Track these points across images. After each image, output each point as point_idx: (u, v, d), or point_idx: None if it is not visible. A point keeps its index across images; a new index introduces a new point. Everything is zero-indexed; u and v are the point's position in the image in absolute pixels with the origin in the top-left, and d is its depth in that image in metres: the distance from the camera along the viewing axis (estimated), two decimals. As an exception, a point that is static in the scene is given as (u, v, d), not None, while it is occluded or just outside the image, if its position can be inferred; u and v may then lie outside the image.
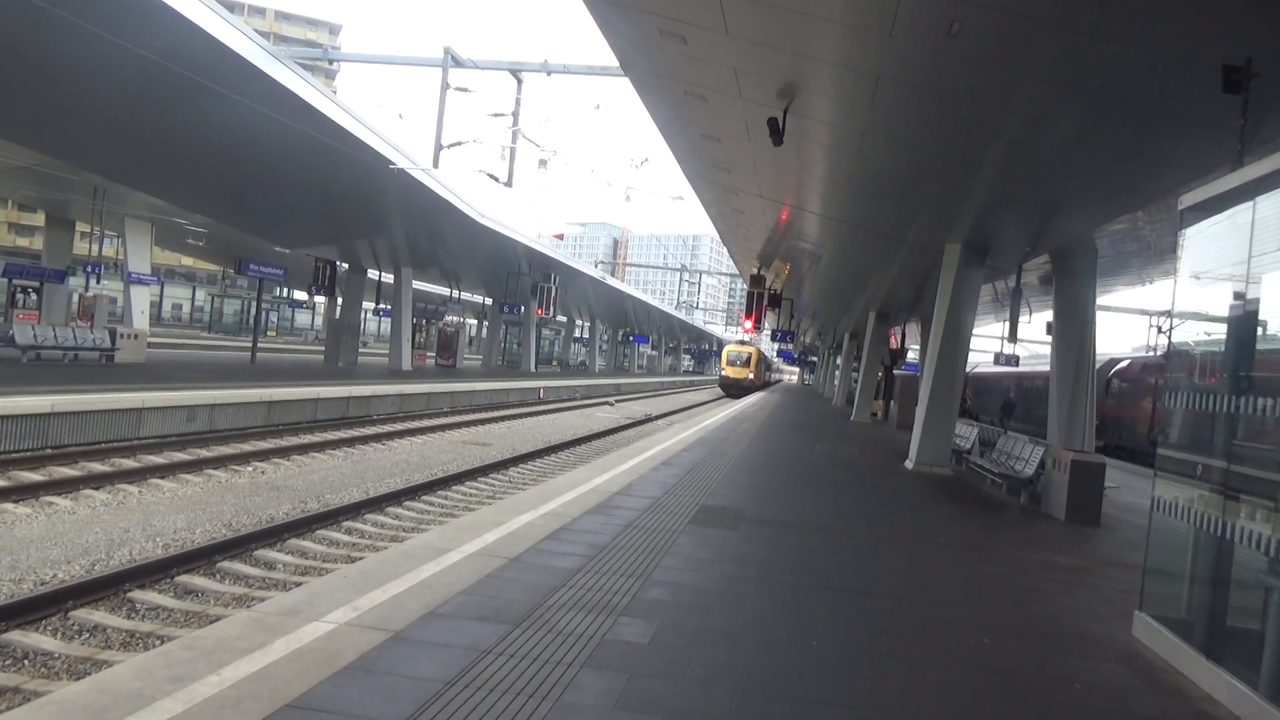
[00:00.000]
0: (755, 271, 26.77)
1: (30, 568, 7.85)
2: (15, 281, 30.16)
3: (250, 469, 13.89)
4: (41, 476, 11.65)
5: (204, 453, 14.80)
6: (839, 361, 47.80)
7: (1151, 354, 29.03)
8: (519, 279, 41.71)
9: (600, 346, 79.20)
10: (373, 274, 41.41)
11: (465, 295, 50.93)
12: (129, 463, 13.24)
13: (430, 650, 4.39)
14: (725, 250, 35.96)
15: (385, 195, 25.08)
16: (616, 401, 42.48)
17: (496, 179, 19.37)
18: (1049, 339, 17.93)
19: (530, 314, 50.43)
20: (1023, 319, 19.24)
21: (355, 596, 5.12)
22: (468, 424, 24.11)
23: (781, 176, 15.40)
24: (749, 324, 26.46)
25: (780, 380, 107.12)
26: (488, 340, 58.87)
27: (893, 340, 36.32)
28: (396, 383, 27.41)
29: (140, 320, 29.69)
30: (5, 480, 11.24)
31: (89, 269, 31.65)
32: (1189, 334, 6.28)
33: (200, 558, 8.49)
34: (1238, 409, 4.98)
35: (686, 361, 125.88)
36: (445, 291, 49.54)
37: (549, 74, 18.47)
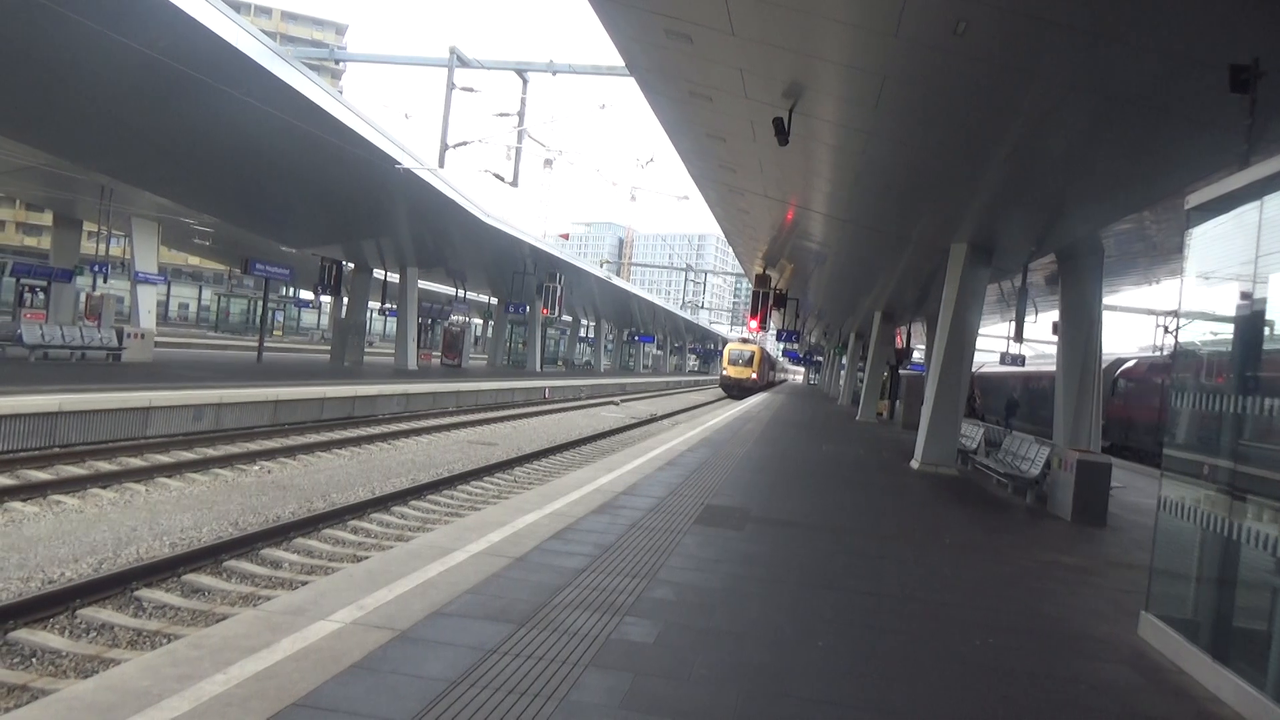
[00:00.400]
0: (760, 271, 26.76)
1: (38, 566, 7.88)
2: (23, 281, 30.24)
3: (257, 468, 13.93)
4: (49, 475, 11.70)
5: (211, 452, 14.85)
6: (844, 361, 47.77)
7: (1158, 354, 28.96)
8: (524, 278, 41.73)
9: (605, 346, 79.21)
10: (378, 274, 41.48)
11: (471, 295, 50.95)
12: (136, 462, 13.28)
13: (436, 649, 4.40)
14: (730, 250, 35.94)
15: (391, 195, 25.12)
16: (621, 401, 42.49)
17: (502, 179, 19.37)
18: (1055, 339, 17.89)
19: (535, 314, 50.48)
20: (1029, 319, 19.19)
21: (361, 596, 5.13)
22: (473, 424, 24.14)
23: (787, 176, 15.40)
24: (754, 323, 26.45)
25: (785, 380, 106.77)
26: (493, 340, 58.89)
27: (898, 340, 36.25)
28: (402, 382, 27.46)
29: (147, 319, 29.75)
30: (13, 479, 11.28)
31: (96, 268, 31.69)
32: (1196, 334, 6.26)
33: (207, 556, 8.51)
34: (1245, 409, 4.97)
35: (692, 361, 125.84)
36: (451, 291, 49.58)
37: (554, 74, 18.46)
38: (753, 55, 9.67)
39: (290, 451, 15.55)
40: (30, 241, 71.75)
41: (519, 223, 33.05)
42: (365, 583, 5.41)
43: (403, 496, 12.39)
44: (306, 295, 64.10)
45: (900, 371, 35.83)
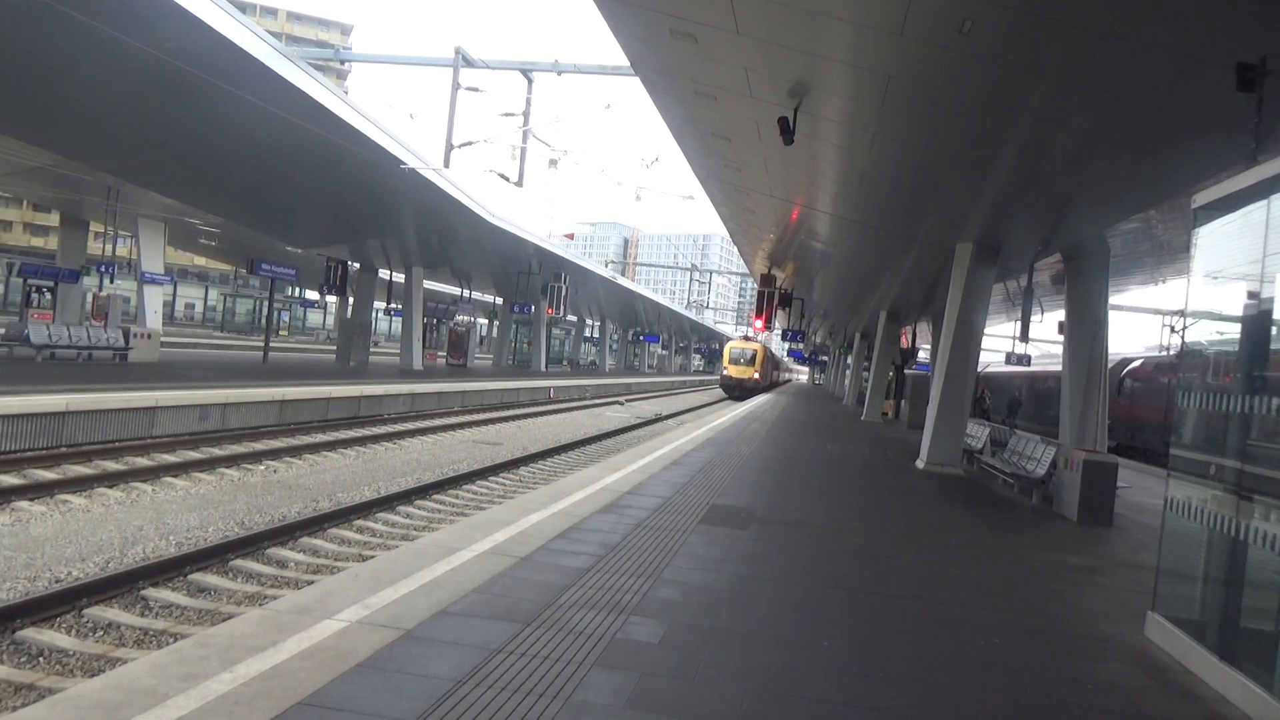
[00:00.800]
0: (766, 271, 26.75)
1: (45, 565, 7.91)
2: (30, 281, 30.39)
3: (263, 468, 13.96)
4: (56, 474, 11.74)
5: (217, 451, 14.89)
6: (849, 361, 47.70)
7: (1164, 354, 28.86)
8: (529, 278, 41.75)
9: (610, 346, 79.25)
10: (384, 273, 41.54)
11: (476, 295, 51.03)
12: (143, 461, 13.32)
13: (441, 648, 4.41)
14: (735, 250, 35.92)
15: (396, 195, 25.16)
16: (627, 401, 42.50)
17: (507, 179, 19.40)
18: (1060, 338, 17.85)
19: (541, 313, 50.51)
20: (1034, 318, 19.15)
21: (367, 595, 5.14)
22: (478, 423, 24.17)
23: (792, 176, 15.38)
24: (759, 323, 26.45)
25: (790, 380, 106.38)
26: (498, 340, 58.95)
27: (904, 339, 36.18)
28: (408, 382, 27.50)
29: (153, 320, 29.84)
30: (21, 478, 11.33)
31: (103, 269, 31.82)
32: (1202, 333, 6.24)
33: (213, 556, 8.54)
34: (1252, 409, 4.96)
35: (697, 361, 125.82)
36: (456, 291, 49.65)
37: (559, 74, 18.49)
38: (758, 55, 9.66)
39: (296, 451, 15.59)
40: (37, 242, 72.00)
41: (524, 223, 33.00)
42: (371, 582, 5.42)
43: (408, 496, 12.40)
44: (312, 295, 64.18)
45: (905, 371, 35.78)
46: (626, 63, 12.15)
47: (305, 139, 18.60)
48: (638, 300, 63.78)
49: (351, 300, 42.41)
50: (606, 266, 59.90)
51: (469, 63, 18.49)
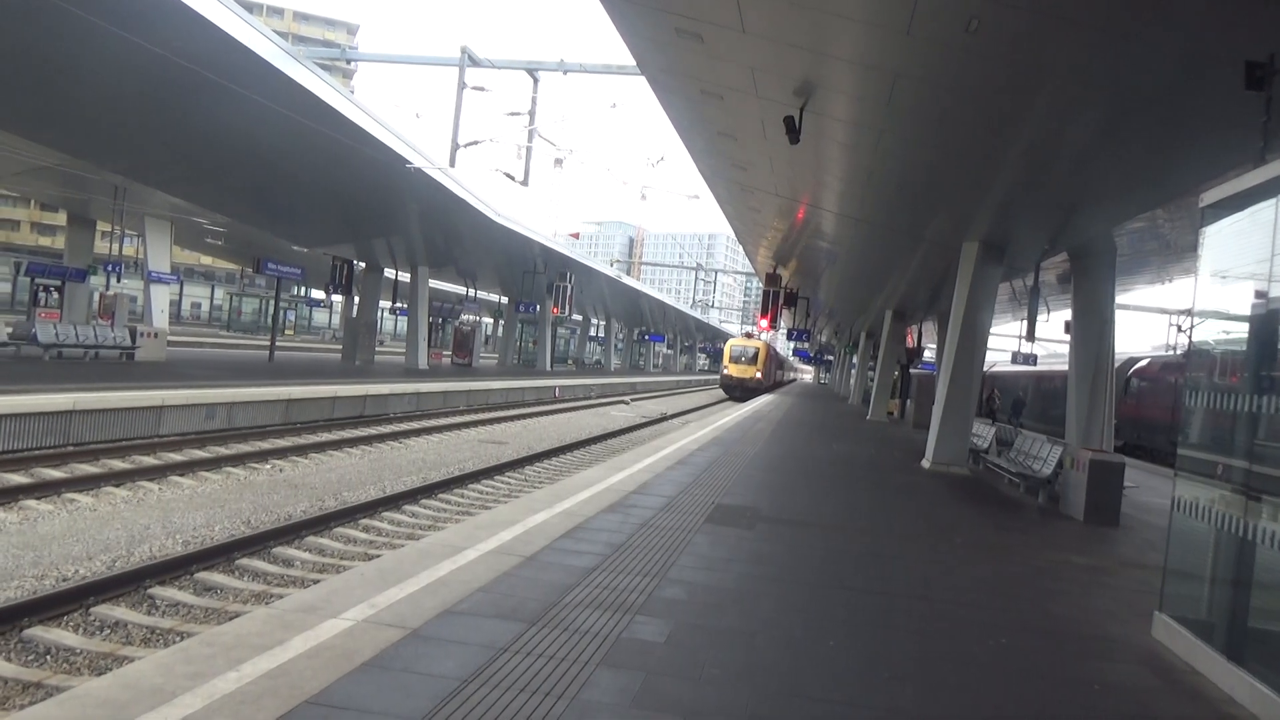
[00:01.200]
0: (771, 270, 26.72)
1: (52, 564, 7.94)
2: (38, 280, 30.45)
3: (269, 467, 13.99)
4: (63, 473, 11.78)
5: (223, 450, 14.92)
6: (855, 360, 47.61)
7: (1171, 353, 28.78)
8: (535, 278, 41.77)
9: (616, 345, 79.22)
10: (389, 273, 41.58)
11: (481, 294, 51.06)
12: (149, 460, 13.35)
13: (447, 648, 4.41)
14: (741, 249, 35.88)
15: (402, 194, 25.19)
16: (632, 400, 42.50)
17: (513, 178, 19.41)
18: (1067, 337, 17.79)
19: (546, 313, 50.49)
20: (1041, 318, 19.10)
21: (373, 594, 5.14)
22: (484, 422, 24.19)
23: (798, 175, 15.36)
24: (765, 322, 26.42)
25: (795, 380, 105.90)
26: (503, 339, 58.98)
27: (909, 339, 36.15)
28: (413, 381, 27.53)
29: (160, 319, 29.93)
30: (28, 477, 11.37)
31: (110, 268, 31.92)
32: (1210, 332, 6.22)
33: (219, 555, 8.56)
34: (1260, 408, 4.94)
35: (702, 360, 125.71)
36: (461, 290, 49.68)
37: (565, 73, 18.50)
38: (764, 53, 9.65)
39: (302, 450, 15.61)
40: (45, 241, 72.33)
41: (530, 222, 33.01)
42: (377, 581, 5.43)
43: (414, 495, 12.42)
44: (318, 294, 64.30)
45: (911, 371, 35.73)
46: (632, 62, 12.15)
47: (311, 138, 18.64)
48: (643, 299, 63.76)
49: (357, 299, 42.46)
50: (612, 266, 59.81)
51: (475, 62, 18.51)
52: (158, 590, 7.50)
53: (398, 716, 3.58)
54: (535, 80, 18.88)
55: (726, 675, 4.47)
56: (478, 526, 7.34)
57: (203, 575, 8.05)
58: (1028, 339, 20.01)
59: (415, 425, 21.15)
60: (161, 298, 30.57)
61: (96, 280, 33.04)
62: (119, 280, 32.19)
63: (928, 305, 29.15)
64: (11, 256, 57.88)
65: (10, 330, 22.90)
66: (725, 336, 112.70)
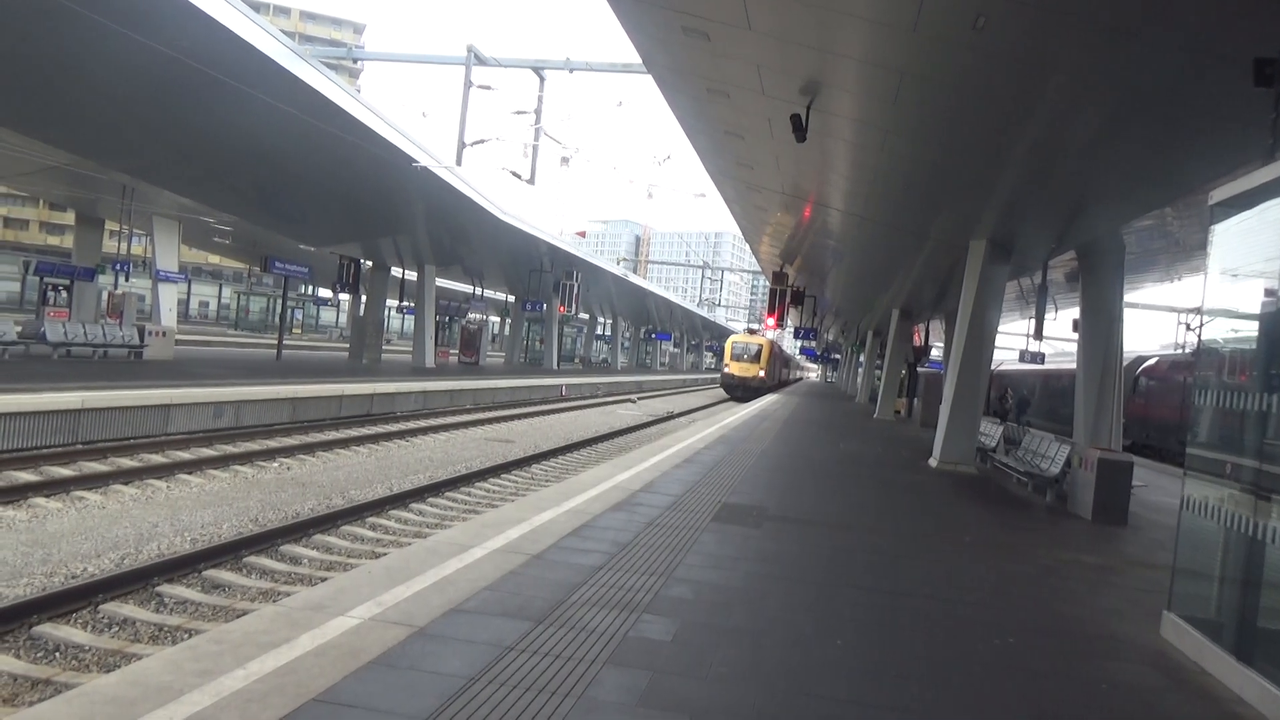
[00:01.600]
0: (778, 268, 26.69)
1: (61, 561, 7.97)
2: (46, 279, 30.61)
3: (276, 465, 14.03)
4: (72, 471, 11.83)
5: (230, 449, 14.96)
6: (862, 359, 47.50)
7: (1179, 351, 28.66)
8: (541, 276, 41.81)
9: (622, 344, 79.24)
10: (396, 271, 41.67)
11: (488, 293, 51.14)
12: (157, 458, 13.40)
13: (454, 646, 4.42)
14: (747, 247, 35.84)
15: (409, 193, 25.23)
16: (638, 399, 42.50)
17: (519, 176, 19.43)
18: (1075, 336, 17.74)
19: (553, 311, 50.54)
20: (1048, 316, 19.04)
21: (380, 592, 5.15)
22: (490, 421, 24.21)
23: (804, 173, 15.34)
24: (772, 320, 26.39)
25: (801, 379, 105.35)
26: (510, 337, 59.05)
27: (916, 337, 36.05)
28: (420, 380, 27.57)
29: (168, 317, 30.03)
30: (37, 475, 11.41)
31: (118, 267, 32.06)
32: (1219, 331, 6.19)
33: (227, 552, 8.58)
34: (1269, 407, 4.91)
35: (709, 359, 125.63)
36: (468, 289, 49.74)
37: (571, 71, 18.51)
38: (770, 51, 9.64)
39: (309, 449, 15.65)
40: (53, 240, 72.53)
41: (536, 220, 33.06)
42: (384, 579, 5.43)
43: (421, 494, 12.44)
44: (325, 293, 64.43)
45: (918, 369, 35.64)
46: (639, 60, 12.15)
47: (319, 138, 18.68)
48: (649, 298, 63.77)
49: (364, 298, 42.56)
50: (618, 264, 59.83)
51: (481, 61, 18.52)
52: (166, 588, 7.53)
53: (404, 715, 3.59)
54: (541, 79, 18.88)
55: (734, 674, 4.47)
56: (484, 525, 7.35)
57: (211, 573, 8.08)
58: (1035, 337, 19.96)
59: (422, 424, 21.18)
60: (169, 297, 30.67)
61: (105, 279, 33.20)
62: (127, 279, 32.34)
63: (935, 304, 29.09)
64: (20, 256, 58.14)
65: (20, 329, 22.99)
66: (732, 335, 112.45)
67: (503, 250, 37.12)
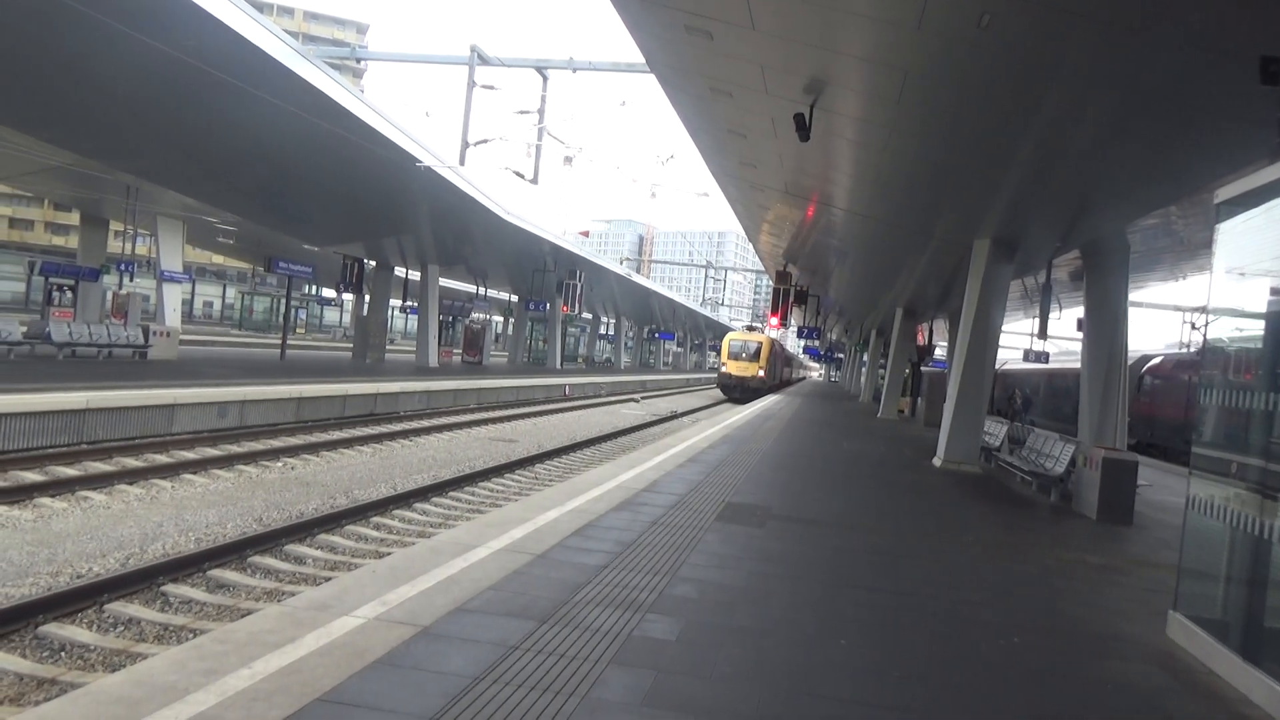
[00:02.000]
0: (781, 268, 26.66)
1: (66, 561, 7.99)
2: (51, 280, 30.72)
3: (280, 465, 14.04)
4: (77, 471, 11.86)
5: (235, 448, 14.99)
6: (865, 358, 47.41)
7: (1184, 351, 28.59)
8: (544, 276, 41.82)
9: (625, 343, 79.23)
10: (400, 271, 41.70)
11: (491, 292, 51.17)
12: (162, 458, 13.42)
13: (458, 645, 4.42)
14: (751, 246, 35.80)
15: (412, 193, 25.25)
16: (642, 398, 42.48)
17: (522, 176, 19.45)
18: (1079, 335, 17.69)
19: (556, 311, 50.56)
20: (1053, 315, 18.99)
21: (384, 591, 5.16)
22: (494, 420, 24.22)
23: (808, 172, 15.32)
24: (775, 320, 26.38)
25: (805, 379, 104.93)
26: (513, 337, 59.09)
27: (920, 337, 35.98)
28: (423, 379, 27.60)
29: (172, 317, 30.11)
30: (43, 475, 11.44)
31: (122, 267, 32.13)
32: (1225, 330, 6.17)
33: (231, 552, 8.60)
34: (1275, 406, 4.89)
35: (712, 358, 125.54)
36: (471, 289, 49.77)
37: (574, 71, 18.51)
38: (773, 50, 9.62)
39: (313, 448, 15.67)
40: (58, 240, 72.75)
41: (539, 220, 33.01)
42: (388, 579, 5.44)
43: (424, 493, 12.45)
44: (329, 293, 64.54)
45: (922, 369, 35.58)
46: (641, 59, 12.13)
47: (322, 138, 18.70)
48: (653, 297, 63.72)
49: (368, 298, 42.61)
50: (621, 264, 59.78)
51: (484, 61, 18.53)
52: (171, 587, 7.54)
53: (409, 714, 3.59)
54: (545, 78, 18.89)
55: (738, 674, 4.46)
56: (488, 524, 7.35)
57: (215, 573, 8.09)
58: (1040, 337, 19.91)
59: (426, 423, 21.20)
60: (174, 297, 30.76)
61: (109, 279, 33.28)
62: (132, 279, 32.41)
63: (939, 303, 29.03)
64: (26, 256, 58.28)
65: (25, 329, 23.05)
66: (729, 331, 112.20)
67: (506, 250, 37.13)
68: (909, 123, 11.05)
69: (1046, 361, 31.61)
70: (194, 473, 12.62)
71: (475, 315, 48.45)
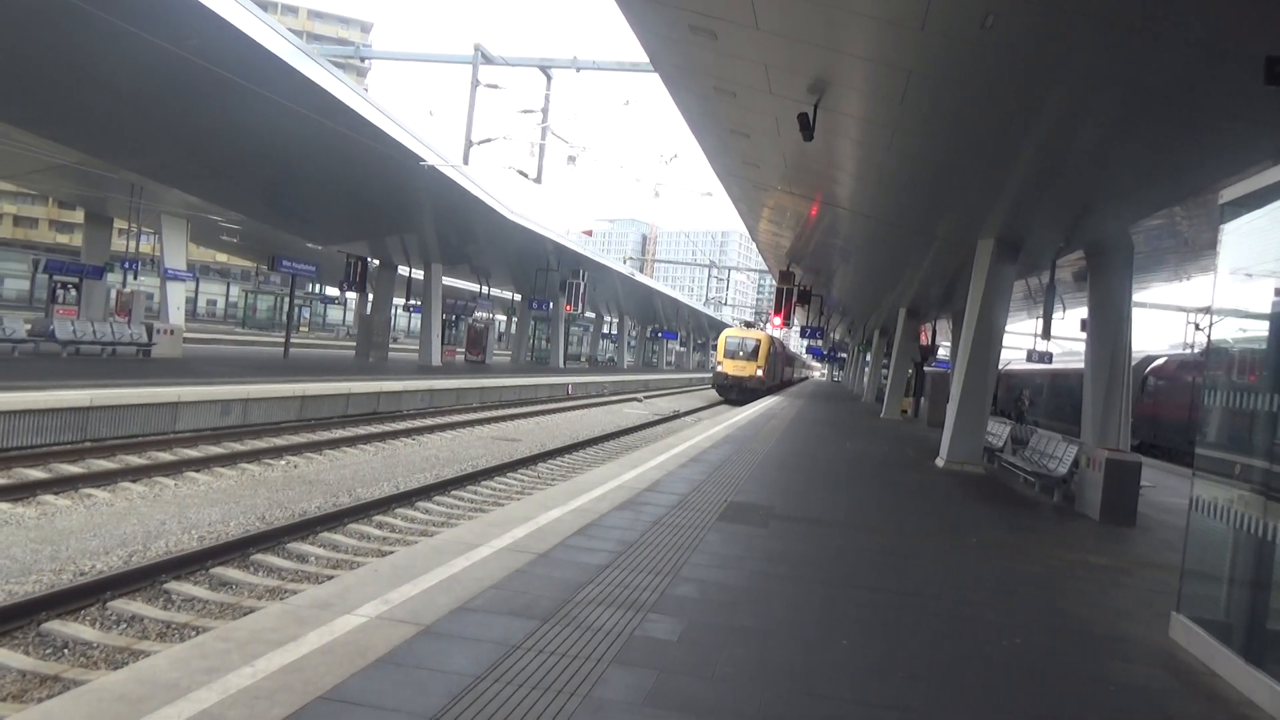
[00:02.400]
0: (784, 268, 26.65)
1: (70, 558, 8.00)
2: (55, 278, 30.74)
3: (283, 463, 14.06)
4: (80, 469, 11.88)
5: (238, 446, 15.00)
6: (868, 358, 47.37)
7: (1188, 351, 28.55)
8: (548, 275, 41.83)
9: (629, 343, 79.21)
10: (403, 270, 41.72)
11: (494, 291, 51.17)
12: (165, 456, 13.44)
13: (460, 644, 4.42)
14: (754, 246, 35.78)
15: (416, 192, 25.24)
16: (645, 398, 42.47)
17: (526, 175, 19.44)
18: (1083, 335, 17.66)
19: (559, 310, 50.54)
20: (1056, 315, 18.96)
21: (386, 590, 5.16)
22: (497, 419, 24.23)
23: (811, 172, 15.31)
24: (778, 320, 26.36)
25: (807, 378, 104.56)
26: (516, 336, 59.09)
27: (923, 337, 35.95)
28: (426, 378, 27.61)
29: (176, 316, 30.12)
30: (46, 472, 11.46)
31: (126, 265, 32.15)
32: (1229, 331, 6.16)
33: (234, 550, 8.61)
34: (1279, 407, 4.88)
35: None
36: (475, 288, 49.78)
37: (578, 70, 18.51)
38: (777, 50, 9.61)
39: (316, 447, 15.69)
40: (62, 238, 72.88)
41: (543, 219, 33.00)
42: (390, 577, 5.44)
43: (427, 492, 12.46)
44: (332, 292, 64.58)
45: (925, 369, 35.54)
46: (645, 59, 12.13)
47: (326, 136, 18.71)
48: (656, 297, 63.69)
49: (371, 297, 42.64)
50: (625, 263, 59.72)
51: (488, 60, 18.53)
52: (174, 585, 7.56)
53: (411, 713, 3.59)
54: (548, 77, 18.89)
55: (739, 674, 4.46)
56: (491, 523, 7.35)
57: (218, 571, 8.11)
58: (1044, 337, 19.88)
59: (429, 422, 21.22)
60: (177, 295, 30.77)
61: (113, 277, 33.29)
62: (135, 277, 32.41)
63: (942, 303, 29.00)
64: (30, 254, 58.40)
65: (29, 327, 23.09)
66: (726, 328, 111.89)
67: (509, 249, 37.13)
68: (912, 123, 11.04)
69: (1050, 362, 31.57)
70: (197, 470, 12.63)
71: (478, 314, 48.47)
